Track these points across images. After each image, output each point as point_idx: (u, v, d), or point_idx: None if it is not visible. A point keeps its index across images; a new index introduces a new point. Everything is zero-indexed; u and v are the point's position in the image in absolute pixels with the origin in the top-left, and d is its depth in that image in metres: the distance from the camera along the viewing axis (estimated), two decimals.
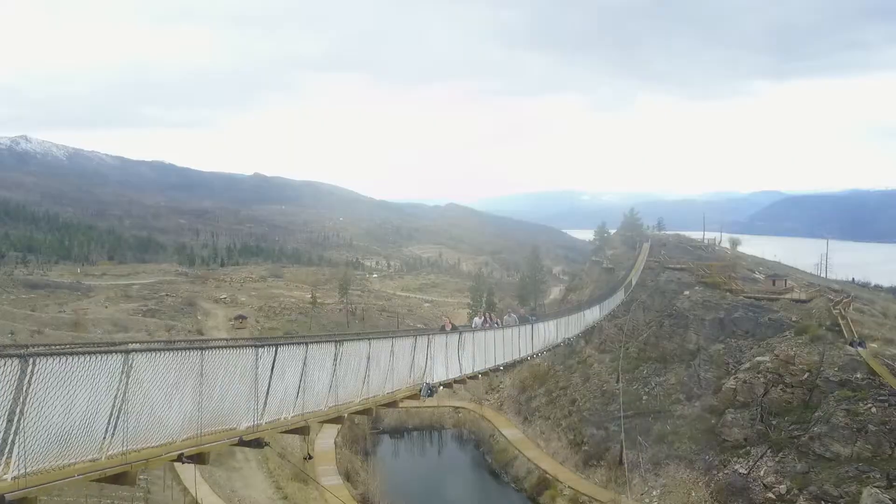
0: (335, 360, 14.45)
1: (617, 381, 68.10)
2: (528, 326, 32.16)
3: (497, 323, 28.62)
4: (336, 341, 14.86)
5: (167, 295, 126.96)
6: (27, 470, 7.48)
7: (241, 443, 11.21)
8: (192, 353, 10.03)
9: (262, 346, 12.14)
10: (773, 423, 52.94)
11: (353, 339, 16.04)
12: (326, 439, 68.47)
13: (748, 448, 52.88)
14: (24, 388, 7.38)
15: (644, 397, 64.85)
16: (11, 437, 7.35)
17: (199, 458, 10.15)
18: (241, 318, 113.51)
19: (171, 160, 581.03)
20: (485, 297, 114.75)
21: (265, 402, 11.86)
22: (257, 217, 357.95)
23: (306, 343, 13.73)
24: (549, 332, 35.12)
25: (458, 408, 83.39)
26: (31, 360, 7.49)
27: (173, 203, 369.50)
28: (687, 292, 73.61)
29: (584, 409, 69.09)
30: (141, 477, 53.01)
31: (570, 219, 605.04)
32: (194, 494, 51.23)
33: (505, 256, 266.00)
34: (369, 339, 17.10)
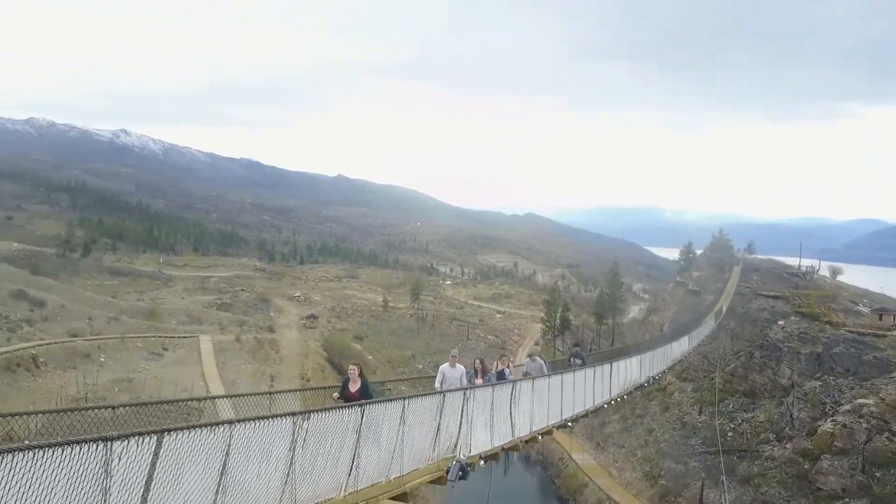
0: (292, 444, 9.35)
1: (699, 413, 63.94)
2: (607, 366, 27.15)
3: (490, 377, 17.67)
4: (293, 414, 9.51)
5: (242, 290, 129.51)
6: None
7: None
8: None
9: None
10: (877, 474, 47.95)
11: (320, 410, 10.24)
12: None
13: (847, 500, 48.03)
14: None
15: (729, 433, 60.39)
16: None
17: None
18: (313, 317, 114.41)
19: (258, 158, 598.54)
20: (559, 311, 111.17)
21: None
22: (338, 217, 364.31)
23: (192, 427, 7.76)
24: (632, 372, 30.61)
25: None
26: None
27: (258, 200, 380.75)
28: (781, 322, 69.09)
29: (661, 441, 65.07)
30: None
31: (650, 235, 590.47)
32: None
33: (582, 270, 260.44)
34: (361, 406, 10.82)
